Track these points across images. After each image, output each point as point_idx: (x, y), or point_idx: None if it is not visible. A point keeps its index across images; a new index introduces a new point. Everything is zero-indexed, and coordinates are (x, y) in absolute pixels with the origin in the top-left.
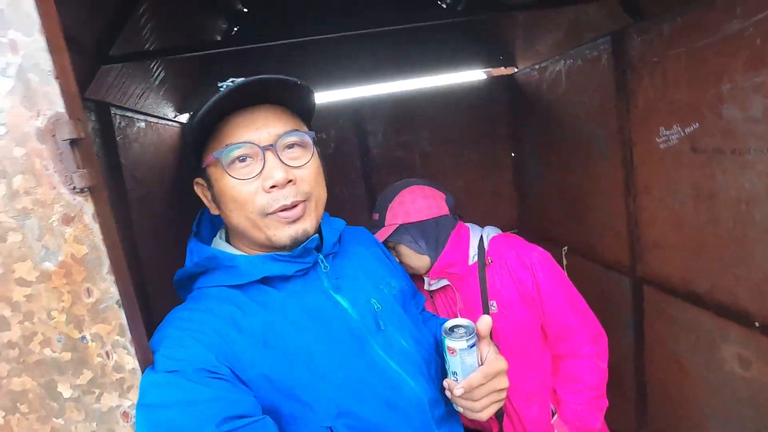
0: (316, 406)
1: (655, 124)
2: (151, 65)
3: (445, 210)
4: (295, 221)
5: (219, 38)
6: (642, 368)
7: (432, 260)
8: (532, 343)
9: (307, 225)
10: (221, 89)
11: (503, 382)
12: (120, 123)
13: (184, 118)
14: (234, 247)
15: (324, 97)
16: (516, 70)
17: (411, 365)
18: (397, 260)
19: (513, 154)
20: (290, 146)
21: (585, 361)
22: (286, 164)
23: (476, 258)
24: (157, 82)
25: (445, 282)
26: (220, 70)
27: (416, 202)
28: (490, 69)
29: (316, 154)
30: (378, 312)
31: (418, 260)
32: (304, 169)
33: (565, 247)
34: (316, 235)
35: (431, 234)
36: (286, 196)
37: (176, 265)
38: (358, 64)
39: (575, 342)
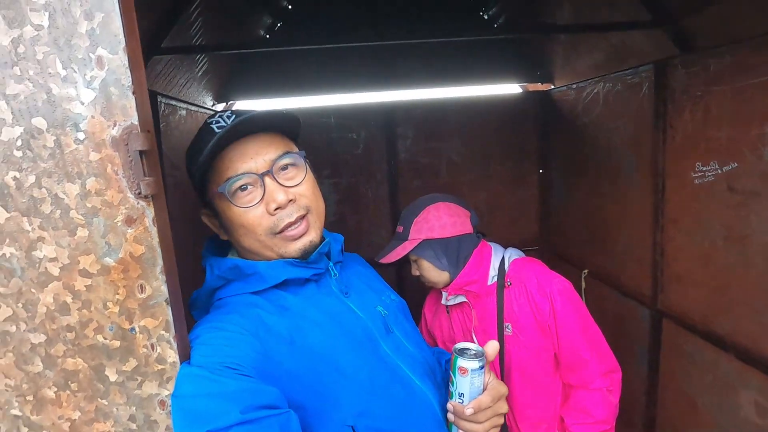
0: (340, 404)
1: (691, 158)
2: (197, 57)
3: (468, 228)
4: (301, 237)
5: (262, 32)
6: (653, 403)
7: (451, 277)
8: (543, 369)
9: (313, 236)
10: (212, 125)
11: (504, 406)
12: (164, 110)
13: (220, 107)
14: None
15: (357, 98)
16: (552, 87)
17: (418, 367)
18: (416, 273)
19: (540, 171)
20: (284, 168)
21: (596, 394)
22: (284, 186)
23: (495, 279)
24: (200, 73)
25: (462, 299)
26: (258, 64)
27: (441, 219)
28: (525, 84)
29: (309, 170)
30: (385, 317)
31: (437, 275)
32: (301, 186)
33: (586, 271)
34: (326, 239)
35: (453, 251)
36: (290, 214)
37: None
38: (394, 71)
39: (588, 374)
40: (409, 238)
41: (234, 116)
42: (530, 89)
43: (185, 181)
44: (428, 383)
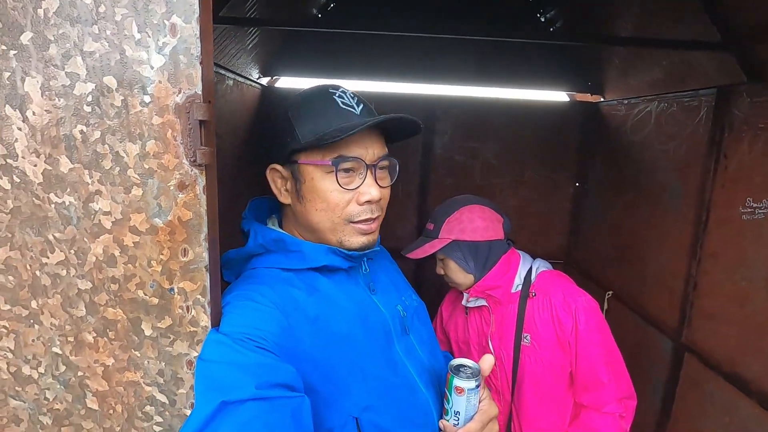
0: (350, 394)
1: (742, 192)
2: (249, 30)
3: (500, 234)
4: (367, 234)
5: (315, 11)
6: None
7: (476, 280)
8: (557, 384)
9: (374, 237)
10: (335, 98)
11: (495, 427)
12: (213, 79)
13: (265, 80)
14: (290, 233)
15: (399, 87)
16: (602, 99)
17: (425, 375)
18: (440, 272)
19: (576, 184)
20: (382, 168)
21: (607, 418)
22: (378, 184)
23: (520, 287)
24: (250, 46)
25: (482, 302)
26: (307, 43)
27: (474, 222)
28: (573, 93)
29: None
30: (404, 317)
31: (462, 277)
32: (386, 190)
33: (610, 292)
34: (378, 247)
35: (482, 255)
36: (372, 211)
37: (237, 221)
38: (440, 65)
39: (603, 397)
40: (439, 236)
41: (357, 98)
42: (578, 99)
43: (226, 149)
44: (432, 392)
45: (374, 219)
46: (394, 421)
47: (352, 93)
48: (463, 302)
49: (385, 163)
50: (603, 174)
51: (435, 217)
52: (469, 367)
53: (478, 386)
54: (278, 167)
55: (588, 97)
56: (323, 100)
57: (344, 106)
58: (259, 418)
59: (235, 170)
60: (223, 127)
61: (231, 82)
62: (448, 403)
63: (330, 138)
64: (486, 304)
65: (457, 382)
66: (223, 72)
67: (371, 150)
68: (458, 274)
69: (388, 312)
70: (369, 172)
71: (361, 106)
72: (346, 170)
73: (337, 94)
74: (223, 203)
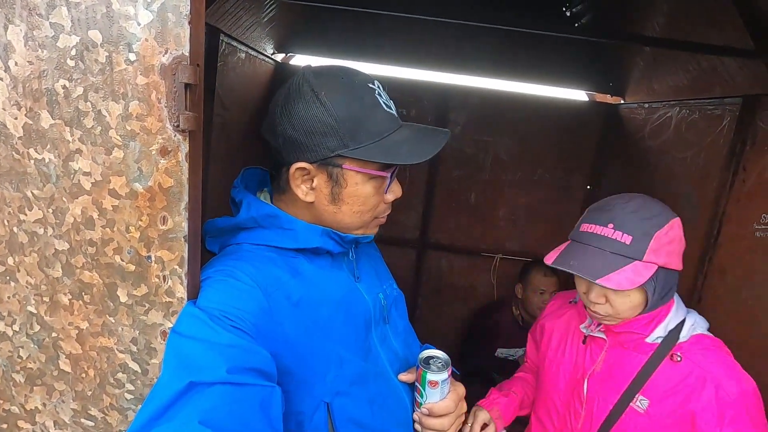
0: (325, 379)
1: (759, 207)
2: (265, 2)
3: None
4: (379, 226)
5: None
6: None
7: (639, 313)
8: None
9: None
10: (377, 97)
11: (464, 406)
12: (225, 50)
13: (280, 57)
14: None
15: (414, 73)
16: (622, 101)
17: (397, 365)
18: (599, 302)
19: (588, 187)
20: None
21: None
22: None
23: (660, 340)
24: (266, 19)
25: (601, 335)
26: (324, 20)
27: (681, 242)
28: (594, 92)
29: None
30: (384, 306)
31: (630, 312)
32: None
33: None
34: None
35: (666, 289)
36: (390, 208)
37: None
38: (459, 53)
39: None
40: (644, 258)
41: (387, 95)
42: (597, 99)
43: (233, 122)
44: (404, 382)
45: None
46: (366, 407)
47: (381, 86)
48: (583, 327)
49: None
50: (617, 179)
51: (628, 221)
52: (439, 358)
53: (449, 375)
54: (308, 166)
55: (608, 98)
56: (368, 98)
57: (387, 109)
58: (226, 404)
59: (241, 143)
60: (232, 99)
61: (243, 56)
62: (422, 397)
63: (402, 160)
64: (604, 337)
65: (431, 376)
66: (235, 44)
67: None
68: (629, 310)
69: (371, 300)
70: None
71: (392, 104)
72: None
73: (376, 92)
74: (226, 175)
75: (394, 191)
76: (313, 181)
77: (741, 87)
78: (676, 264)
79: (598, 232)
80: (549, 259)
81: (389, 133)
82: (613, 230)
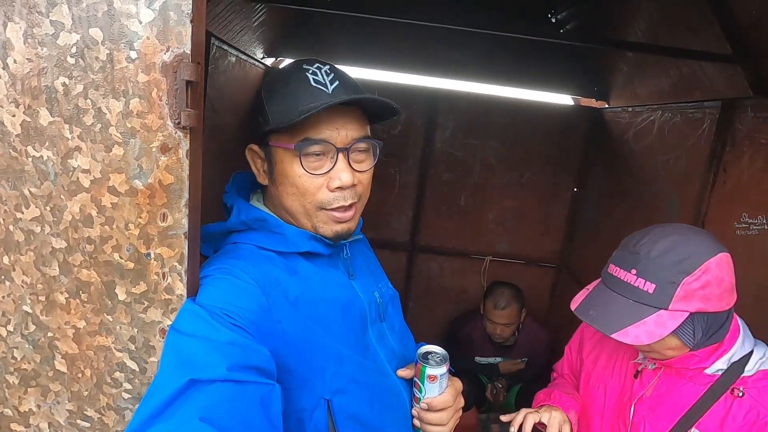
0: (324, 376)
1: (739, 207)
2: (255, 6)
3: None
4: (343, 222)
5: None
6: None
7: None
8: None
9: (352, 224)
10: (308, 74)
11: (462, 401)
12: (215, 53)
13: (269, 61)
14: (272, 212)
15: (404, 78)
16: (606, 105)
17: (395, 362)
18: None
19: (575, 190)
20: (359, 150)
21: None
22: (353, 168)
23: (721, 372)
24: (255, 23)
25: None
26: (314, 24)
27: (723, 283)
28: (579, 97)
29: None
30: (380, 304)
31: (671, 352)
32: (365, 174)
33: None
34: (359, 235)
35: (714, 327)
36: (345, 198)
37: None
38: (449, 56)
39: None
40: (670, 307)
41: (333, 75)
42: (583, 103)
43: (222, 126)
44: (402, 379)
45: (349, 206)
46: (365, 404)
47: (330, 68)
48: (640, 360)
49: (361, 145)
50: (602, 181)
51: (652, 266)
52: (437, 353)
53: (447, 369)
54: (255, 147)
55: (593, 103)
56: (296, 78)
57: (315, 84)
58: (227, 401)
59: (231, 146)
60: (222, 102)
61: (233, 59)
62: (420, 392)
63: (288, 121)
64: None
65: (430, 371)
66: (226, 47)
67: (343, 132)
68: (669, 351)
69: (366, 298)
70: (341, 155)
71: (335, 84)
72: (316, 154)
73: (310, 71)
74: (220, 178)
75: (336, 178)
76: (264, 163)
77: (720, 91)
78: (719, 306)
79: (622, 278)
80: (574, 304)
81: (308, 104)
82: (635, 277)
